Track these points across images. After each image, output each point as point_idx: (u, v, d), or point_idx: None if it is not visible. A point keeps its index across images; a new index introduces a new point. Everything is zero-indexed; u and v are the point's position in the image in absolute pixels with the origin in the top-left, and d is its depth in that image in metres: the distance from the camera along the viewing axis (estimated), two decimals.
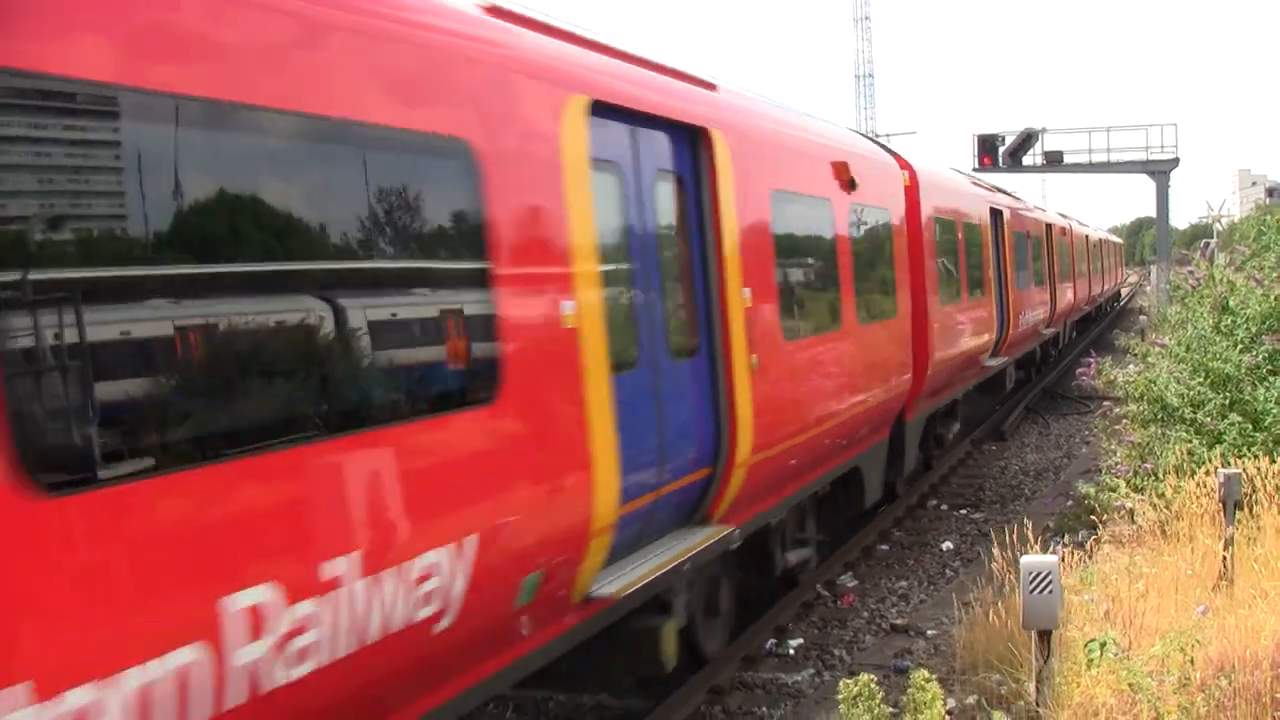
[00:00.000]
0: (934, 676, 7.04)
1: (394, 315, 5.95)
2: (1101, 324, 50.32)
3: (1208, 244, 27.63)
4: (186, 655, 4.38)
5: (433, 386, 6.11)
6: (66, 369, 4.22)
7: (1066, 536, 12.67)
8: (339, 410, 5.36)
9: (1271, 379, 12.11)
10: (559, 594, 7.10)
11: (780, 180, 10.70)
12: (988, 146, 49.26)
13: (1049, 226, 31.39)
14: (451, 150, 6.13)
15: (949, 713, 7.59)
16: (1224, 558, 9.44)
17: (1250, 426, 11.69)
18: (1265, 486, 10.09)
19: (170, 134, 4.69)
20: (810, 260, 11.78)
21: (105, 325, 4.42)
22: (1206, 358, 12.50)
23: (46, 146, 4.39)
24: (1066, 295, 33.89)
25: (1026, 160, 49.81)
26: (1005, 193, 26.54)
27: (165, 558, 4.40)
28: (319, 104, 5.31)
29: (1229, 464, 10.57)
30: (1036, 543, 10.03)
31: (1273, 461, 10.34)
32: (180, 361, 4.78)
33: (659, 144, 8.61)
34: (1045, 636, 7.13)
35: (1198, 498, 10.29)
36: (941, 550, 14.75)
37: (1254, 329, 12.73)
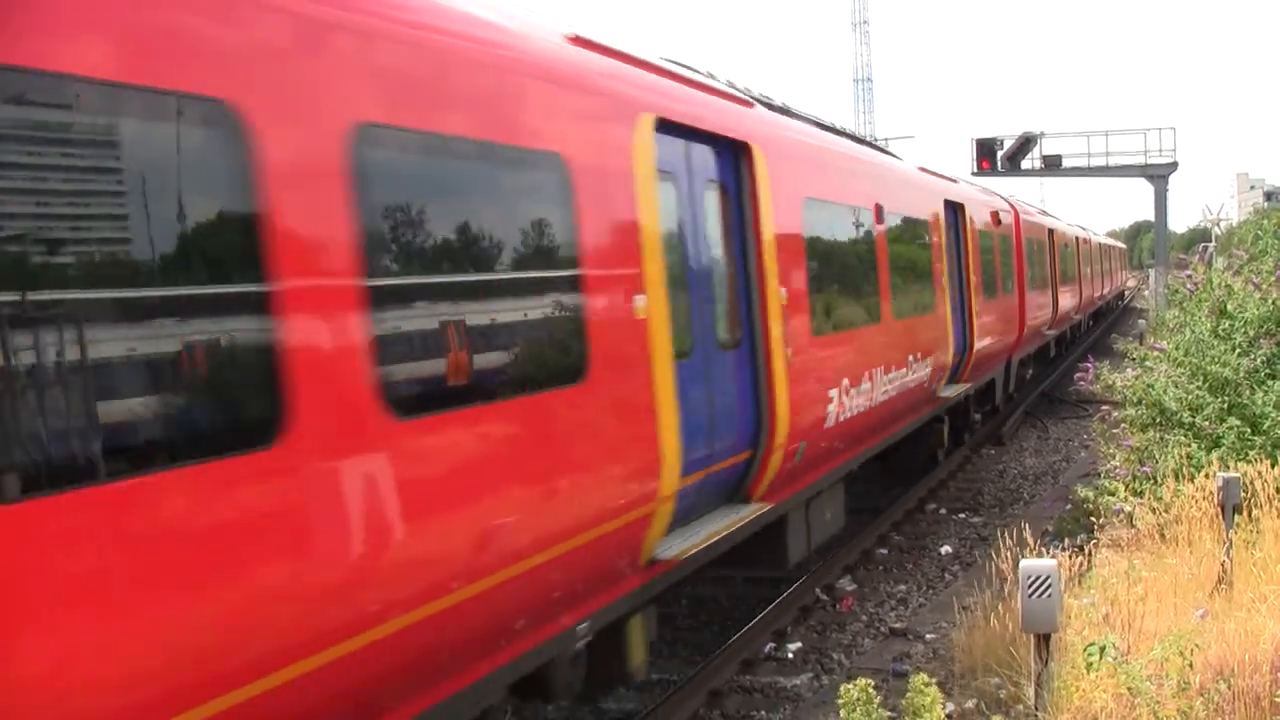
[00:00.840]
0: (933, 680, 7.04)
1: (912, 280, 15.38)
2: (1111, 317, 58.13)
3: (1206, 248, 27.63)
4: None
5: (928, 296, 15.75)
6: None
7: (1065, 540, 12.66)
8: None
9: (1270, 383, 12.11)
10: (938, 388, 16.36)
11: (983, 224, 20.78)
12: (986, 150, 49.19)
13: (1077, 238, 40.83)
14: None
15: (948, 716, 7.58)
16: (1223, 561, 9.44)
17: (1249, 430, 11.69)
18: (1264, 490, 10.09)
19: None
20: (992, 261, 21.41)
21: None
22: (1205, 361, 12.50)
23: None
24: (1087, 290, 43.05)
25: (1025, 164, 49.74)
26: (1051, 215, 38.03)
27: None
28: (853, 198, 12.90)
29: (1228, 468, 10.57)
30: (1035, 547, 10.02)
31: (1272, 465, 10.33)
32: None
33: (947, 214, 17.69)
34: (1044, 640, 7.13)
35: (1197, 501, 10.28)
36: (940, 554, 14.75)
37: (1252, 333, 12.74)
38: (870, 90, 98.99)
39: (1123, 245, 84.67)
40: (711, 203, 8.95)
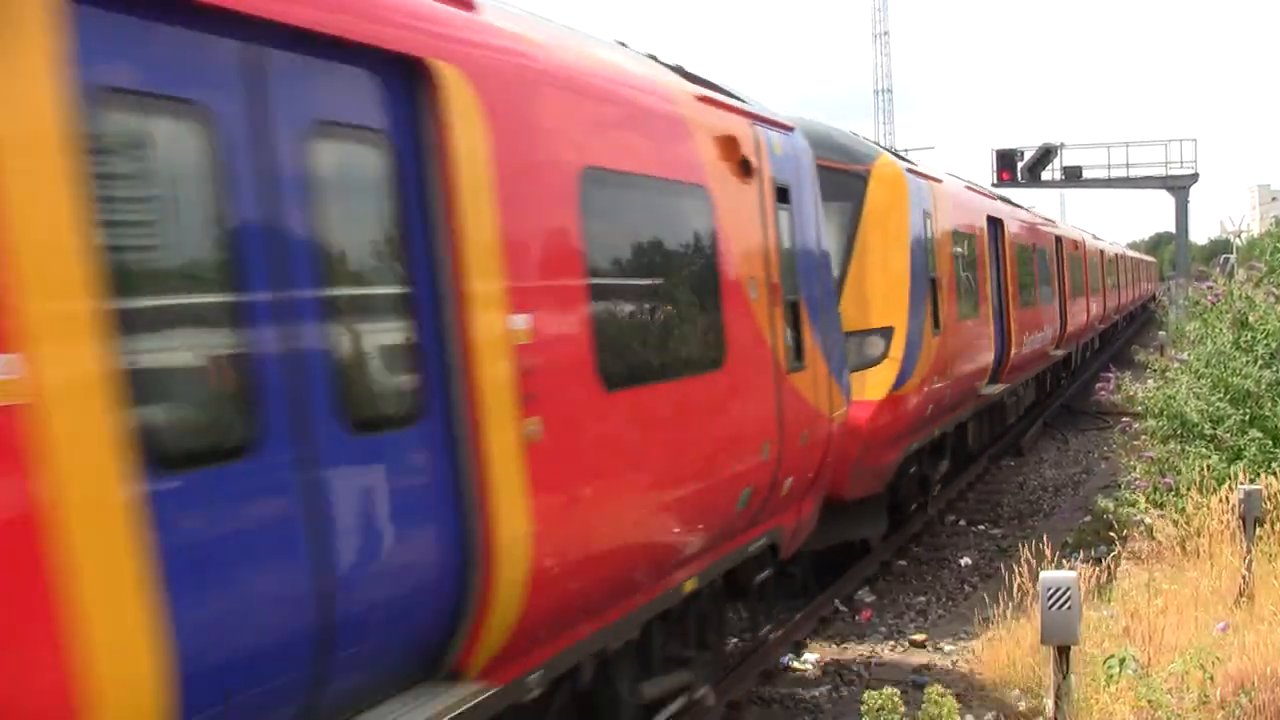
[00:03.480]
0: (951, 692, 7.03)
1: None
2: (1148, 312, 69.10)
3: (1227, 259, 27.58)
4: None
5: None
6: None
7: (1085, 552, 12.62)
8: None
9: None
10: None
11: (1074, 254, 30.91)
12: (1006, 161, 49.06)
13: (1119, 254, 52.11)
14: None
15: None
16: (1244, 574, 9.40)
17: (1270, 443, 11.64)
18: None
19: None
20: (1086, 271, 33.09)
21: None
22: (1226, 373, 12.44)
23: None
24: (1129, 293, 55.15)
25: (1045, 175, 49.59)
26: (1115, 244, 54.65)
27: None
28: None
29: (1250, 480, 10.52)
30: (1055, 558, 10.00)
31: None
32: None
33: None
34: (1064, 652, 7.11)
35: (1218, 514, 10.24)
36: (960, 566, 14.71)
37: (1273, 345, 12.68)
38: (890, 101, 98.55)
39: (1154, 259, 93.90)
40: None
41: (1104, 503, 12.78)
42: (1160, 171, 48.56)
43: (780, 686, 10.55)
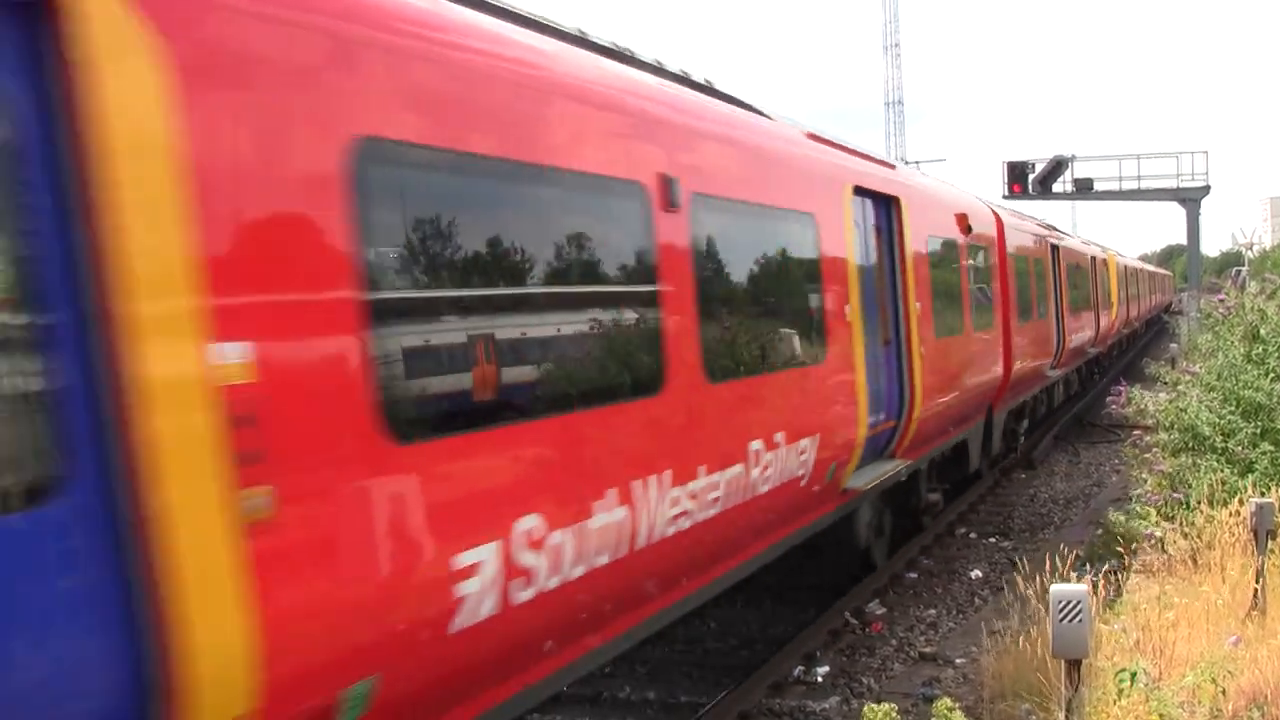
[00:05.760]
0: (958, 705, 7.01)
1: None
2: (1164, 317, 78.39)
3: (1239, 272, 27.57)
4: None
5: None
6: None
7: (1096, 565, 12.59)
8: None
9: None
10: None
11: (1140, 273, 58.06)
12: (1017, 174, 49.04)
13: (1154, 271, 74.50)
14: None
15: None
16: (1255, 588, 9.37)
17: None
18: None
19: None
20: (1147, 283, 62.01)
21: None
22: (1238, 386, 12.42)
23: None
24: (1153, 299, 68.95)
25: (1056, 188, 49.53)
26: (1148, 265, 79.25)
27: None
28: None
29: (1262, 493, 10.49)
30: (1066, 571, 9.97)
31: None
32: None
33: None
34: (1074, 666, 7.09)
35: (1229, 527, 10.22)
36: (970, 578, 14.68)
37: None
38: (901, 113, 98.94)
39: (1169, 273, 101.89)
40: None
41: (1115, 516, 12.76)
42: (1172, 184, 48.46)
43: (790, 699, 10.54)
